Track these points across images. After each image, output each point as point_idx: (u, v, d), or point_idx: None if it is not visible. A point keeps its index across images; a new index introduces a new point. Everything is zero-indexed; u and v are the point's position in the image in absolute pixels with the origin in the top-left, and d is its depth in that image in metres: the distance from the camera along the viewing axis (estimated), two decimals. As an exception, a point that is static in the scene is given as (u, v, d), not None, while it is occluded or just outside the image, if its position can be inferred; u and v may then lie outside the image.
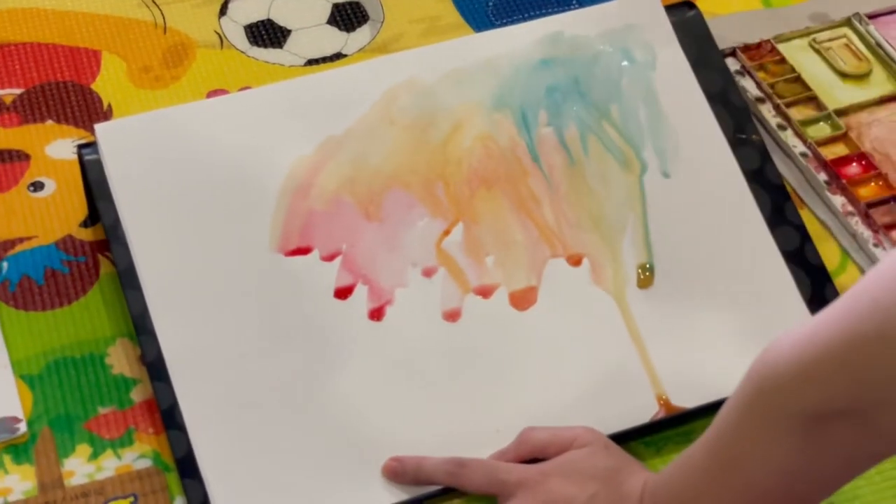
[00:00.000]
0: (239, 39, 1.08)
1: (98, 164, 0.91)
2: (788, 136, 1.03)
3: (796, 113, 1.04)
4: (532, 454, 0.83)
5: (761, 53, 1.08)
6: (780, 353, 0.66)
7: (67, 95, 1.03)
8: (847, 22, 1.10)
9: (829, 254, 0.96)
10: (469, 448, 0.84)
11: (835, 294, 0.92)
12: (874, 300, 0.61)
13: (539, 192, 0.93)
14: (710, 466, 0.72)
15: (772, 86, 1.05)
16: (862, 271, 0.96)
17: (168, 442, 0.84)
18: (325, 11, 1.10)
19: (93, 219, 0.95)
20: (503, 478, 0.82)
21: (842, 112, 1.04)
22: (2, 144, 1.00)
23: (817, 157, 1.01)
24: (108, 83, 1.04)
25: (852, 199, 0.99)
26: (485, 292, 0.90)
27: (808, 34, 1.09)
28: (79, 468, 0.84)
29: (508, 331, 0.89)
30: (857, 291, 0.63)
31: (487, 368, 0.87)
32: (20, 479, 0.83)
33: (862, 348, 0.62)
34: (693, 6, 1.01)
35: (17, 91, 1.03)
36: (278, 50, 1.08)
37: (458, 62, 0.97)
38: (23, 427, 0.85)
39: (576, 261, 0.91)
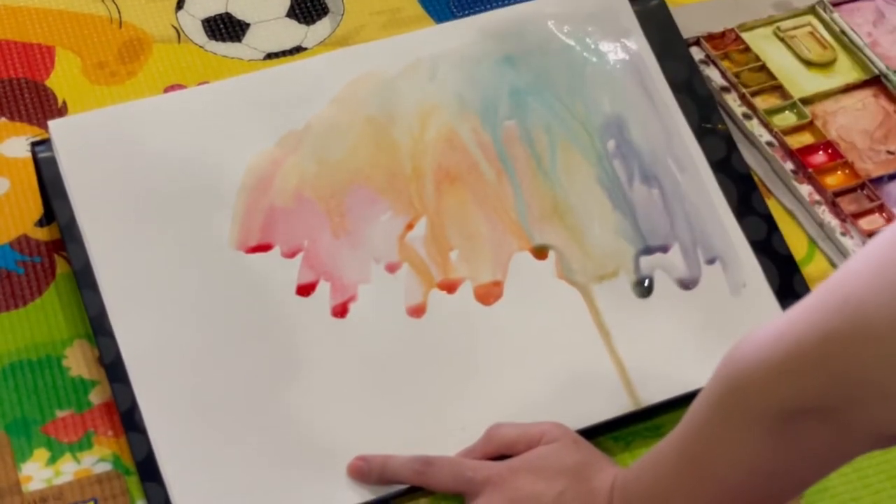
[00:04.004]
0: (196, 33, 1.07)
1: (52, 162, 0.89)
2: (754, 126, 1.02)
3: (761, 102, 1.04)
4: (499, 451, 0.83)
5: (725, 42, 1.07)
6: (749, 351, 0.65)
7: (21, 92, 1.01)
8: (811, 10, 1.10)
9: (796, 243, 0.96)
10: (435, 446, 0.83)
11: (803, 284, 0.92)
12: (844, 297, 0.61)
13: (503, 185, 0.92)
14: (681, 464, 0.72)
15: (737, 75, 1.05)
16: (829, 260, 0.96)
17: (128, 445, 0.82)
18: (285, 4, 1.09)
19: (48, 218, 0.93)
20: (470, 476, 0.81)
21: (807, 101, 1.04)
22: (-46, 143, 0.98)
23: (783, 146, 1.01)
24: (62, 79, 1.03)
25: (819, 188, 0.99)
26: (449, 287, 0.89)
27: (772, 22, 1.09)
28: (36, 473, 0.83)
29: (474, 326, 0.88)
30: (826, 288, 0.62)
31: (453, 364, 0.87)
32: (-24, 486, 0.82)
33: (832, 346, 0.61)
34: (657, -5, 1.01)
35: (-30, 88, 1.02)
36: (237, 44, 1.06)
37: (419, 54, 0.96)
38: (-22, 432, 0.84)
39: (541, 254, 0.91)
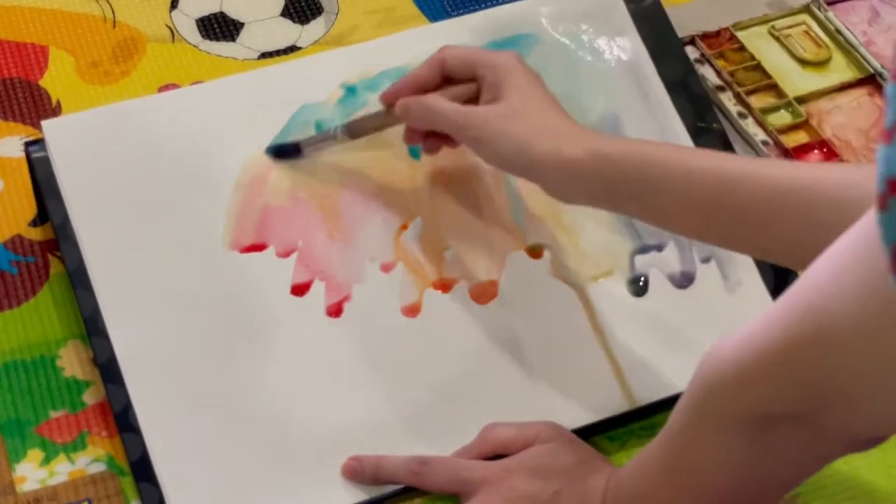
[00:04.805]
0: (190, 33, 1.06)
1: (46, 162, 0.89)
2: (749, 125, 1.02)
3: (757, 101, 1.04)
4: (495, 451, 0.82)
5: (720, 41, 1.07)
6: (722, 356, 0.65)
7: (14, 92, 1.01)
8: (806, 9, 1.10)
9: (791, 242, 0.95)
10: (430, 446, 0.83)
11: (798, 283, 0.92)
12: (808, 302, 0.60)
13: (498, 184, 0.92)
14: (664, 465, 0.72)
15: (731, 74, 1.05)
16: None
17: (122, 445, 0.82)
18: (279, 4, 1.09)
19: (42, 218, 0.93)
20: (465, 475, 0.81)
21: (802, 99, 1.04)
22: (-53, 143, 0.98)
23: (778, 145, 1.01)
24: (56, 79, 1.02)
25: (814, 187, 0.99)
26: (444, 286, 0.89)
27: (766, 21, 1.09)
28: (30, 473, 0.82)
29: (469, 325, 0.88)
30: (791, 294, 0.62)
31: (448, 364, 0.86)
32: (-30, 486, 0.82)
33: (799, 350, 0.61)
34: (651, -6, 1.01)
35: (-37, 88, 1.02)
36: (231, 43, 1.06)
37: (414, 54, 0.95)
38: (-28, 432, 0.84)
39: (536, 253, 0.91)
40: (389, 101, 0.87)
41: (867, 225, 0.55)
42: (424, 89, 0.86)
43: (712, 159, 0.76)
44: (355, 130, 0.90)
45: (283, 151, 0.90)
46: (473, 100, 0.84)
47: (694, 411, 0.68)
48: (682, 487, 0.71)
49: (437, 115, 0.84)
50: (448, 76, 0.86)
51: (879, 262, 0.52)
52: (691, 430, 0.69)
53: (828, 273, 0.59)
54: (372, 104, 0.91)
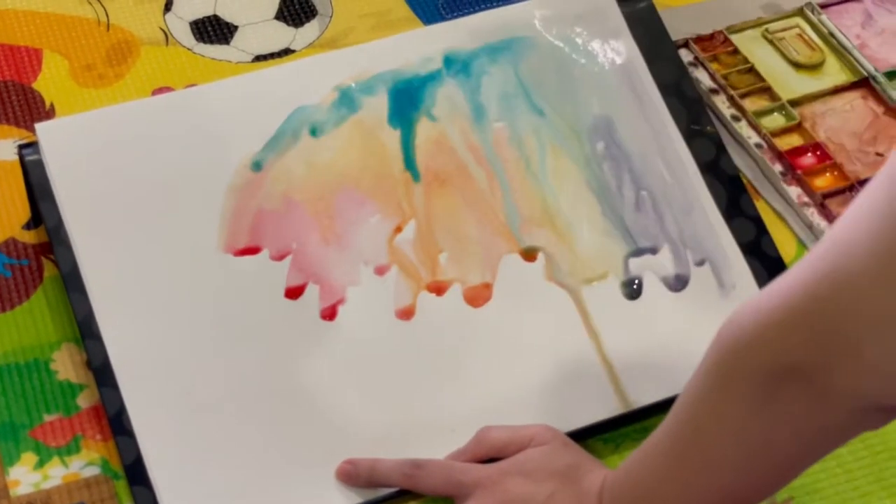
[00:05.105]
0: (184, 36, 1.06)
1: (40, 165, 0.89)
2: (743, 128, 1.02)
3: (750, 104, 1.04)
4: (489, 454, 0.82)
5: (714, 44, 1.07)
6: (743, 313, 0.67)
7: (8, 95, 1.01)
8: (799, 12, 1.10)
9: (785, 245, 0.96)
10: (425, 448, 0.83)
11: (792, 286, 0.92)
12: (830, 239, 0.63)
13: (493, 187, 0.92)
14: (670, 453, 0.72)
15: (725, 77, 1.05)
16: (819, 262, 0.96)
17: (116, 448, 0.82)
18: (273, 6, 1.09)
19: (35, 221, 0.93)
20: (460, 478, 0.81)
21: (796, 102, 1.04)
22: (-59, 146, 0.98)
23: (772, 147, 1.01)
24: (49, 82, 1.02)
25: (808, 190, 0.99)
26: (439, 289, 0.89)
27: (760, 24, 1.09)
28: (24, 477, 0.82)
29: (463, 328, 0.88)
30: (820, 242, 0.64)
31: (443, 367, 0.86)
32: (-37, 490, 0.81)
33: (815, 291, 0.63)
34: (645, -3, 1.01)
35: (-43, 91, 1.01)
36: (225, 46, 1.06)
37: (408, 56, 0.96)
38: (-35, 436, 0.83)
39: (531, 256, 0.91)
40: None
41: (888, 166, 0.58)
42: None
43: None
44: None
45: None
46: None
47: (706, 375, 0.69)
48: (686, 468, 0.71)
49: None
50: None
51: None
52: (701, 395, 0.70)
53: (849, 213, 0.61)
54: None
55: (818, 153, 1.01)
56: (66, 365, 0.87)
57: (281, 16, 1.08)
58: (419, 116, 0.94)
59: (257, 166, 0.90)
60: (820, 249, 0.63)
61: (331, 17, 1.09)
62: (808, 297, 0.63)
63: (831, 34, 1.08)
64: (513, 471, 0.80)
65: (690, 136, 0.96)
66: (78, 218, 0.87)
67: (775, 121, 1.03)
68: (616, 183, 0.94)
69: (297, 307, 0.87)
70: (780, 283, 0.65)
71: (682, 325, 0.89)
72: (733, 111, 1.03)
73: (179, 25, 1.07)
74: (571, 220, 0.92)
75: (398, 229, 0.90)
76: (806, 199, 0.98)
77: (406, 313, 0.88)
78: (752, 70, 1.06)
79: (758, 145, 1.01)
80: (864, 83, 1.06)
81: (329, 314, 0.87)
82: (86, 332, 0.84)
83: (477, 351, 0.87)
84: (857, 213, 0.62)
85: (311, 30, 1.08)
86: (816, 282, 0.63)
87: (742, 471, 0.70)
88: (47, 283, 0.91)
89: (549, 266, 0.90)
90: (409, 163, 0.92)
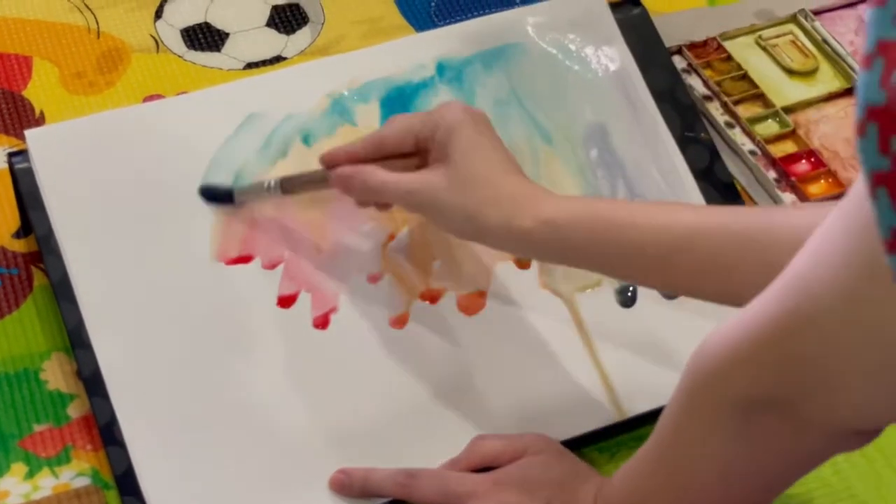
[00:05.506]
0: (175, 43, 1.06)
1: (29, 173, 0.88)
2: (737, 135, 1.02)
3: (744, 111, 1.03)
4: (484, 463, 0.82)
5: (707, 51, 1.07)
6: (714, 341, 0.66)
7: (-3, 103, 1.01)
8: (793, 18, 1.10)
9: (780, 252, 0.95)
10: (418, 458, 0.82)
11: (787, 293, 0.92)
12: (795, 274, 0.61)
13: (485, 194, 0.92)
14: (657, 469, 0.72)
15: (719, 83, 1.05)
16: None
17: (107, 459, 0.81)
18: (264, 14, 1.09)
19: (25, 230, 0.92)
20: (454, 488, 0.80)
21: (789, 109, 1.04)
22: (-70, 154, 0.97)
23: (766, 154, 1.01)
24: (39, 90, 1.02)
25: (802, 197, 0.99)
26: (432, 298, 0.88)
27: (753, 31, 1.09)
28: (14, 488, 0.82)
29: (457, 337, 0.87)
30: (783, 273, 0.62)
31: (436, 375, 0.86)
32: (-48, 501, 0.81)
33: (784, 325, 0.62)
34: (638, 4, 1.01)
35: (-54, 99, 1.01)
36: (216, 53, 1.06)
37: (400, 63, 0.95)
38: (-45, 447, 0.83)
39: (524, 264, 0.90)
40: (328, 164, 0.85)
41: (852, 194, 0.57)
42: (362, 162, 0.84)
43: (665, 215, 0.77)
44: (290, 188, 0.87)
45: (215, 196, 0.89)
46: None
47: (683, 402, 0.68)
48: (671, 489, 0.71)
49: (378, 191, 0.83)
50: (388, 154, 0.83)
51: (863, 231, 0.53)
52: (680, 423, 0.69)
53: (815, 244, 0.60)
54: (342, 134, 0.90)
55: (812, 160, 1.01)
56: (57, 375, 0.86)
57: (272, 23, 1.08)
58: (412, 124, 0.93)
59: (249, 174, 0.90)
60: (786, 280, 0.62)
61: (322, 24, 1.08)
62: (777, 333, 0.62)
63: (825, 41, 1.08)
64: (507, 480, 0.80)
65: (684, 143, 0.96)
66: (68, 226, 0.87)
67: (769, 128, 1.03)
68: (610, 190, 0.93)
69: (290, 316, 0.86)
70: (749, 313, 0.64)
71: (676, 333, 0.89)
72: (727, 118, 1.03)
73: (170, 33, 1.07)
74: (565, 228, 0.91)
75: (391, 237, 0.90)
76: (800, 205, 0.98)
77: (399, 321, 0.87)
78: (745, 77, 1.05)
79: (752, 152, 1.01)
80: (857, 90, 1.06)
81: (322, 323, 0.87)
82: (76, 342, 0.84)
83: (470, 359, 0.87)
84: (817, 246, 0.60)
85: (302, 37, 1.07)
86: (784, 317, 0.61)
87: (727, 488, 0.70)
88: (37, 293, 0.90)
89: (543, 274, 0.90)
90: None
